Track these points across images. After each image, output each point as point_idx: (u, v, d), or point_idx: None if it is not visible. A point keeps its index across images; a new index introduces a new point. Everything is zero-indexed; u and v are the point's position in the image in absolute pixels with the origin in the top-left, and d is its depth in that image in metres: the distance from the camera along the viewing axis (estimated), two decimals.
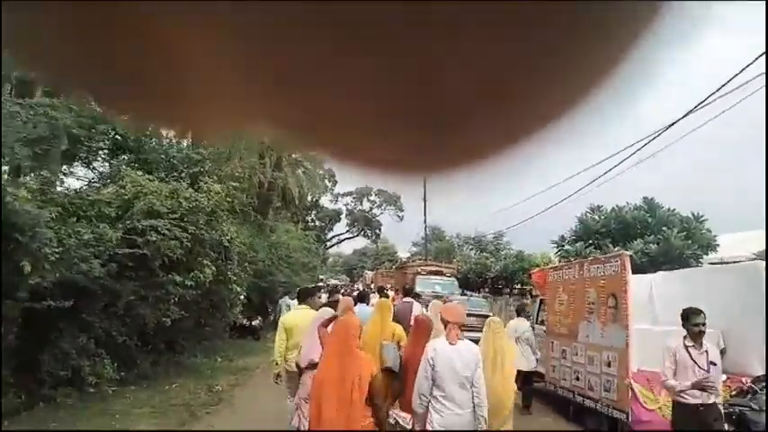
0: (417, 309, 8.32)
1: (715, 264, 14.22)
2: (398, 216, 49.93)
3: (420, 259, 30.43)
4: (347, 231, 50.58)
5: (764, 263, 6.52)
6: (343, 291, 18.53)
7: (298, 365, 5.28)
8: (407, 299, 9.17)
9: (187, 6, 0.27)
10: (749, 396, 5.73)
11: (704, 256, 16.13)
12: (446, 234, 48.04)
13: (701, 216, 17.01)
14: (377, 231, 51.36)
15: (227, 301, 10.80)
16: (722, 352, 6.49)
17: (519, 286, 19.96)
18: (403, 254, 51.49)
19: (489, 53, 0.27)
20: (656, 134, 11.53)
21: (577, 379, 7.35)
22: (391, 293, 14.05)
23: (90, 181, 10.48)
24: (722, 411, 4.91)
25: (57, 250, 5.54)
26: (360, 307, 7.01)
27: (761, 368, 5.98)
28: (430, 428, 4.04)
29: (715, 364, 4.72)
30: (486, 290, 23.31)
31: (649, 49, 0.28)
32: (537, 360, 8.13)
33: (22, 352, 7.00)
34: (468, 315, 9.44)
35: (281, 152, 17.26)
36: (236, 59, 0.29)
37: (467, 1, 0.25)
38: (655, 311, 7.75)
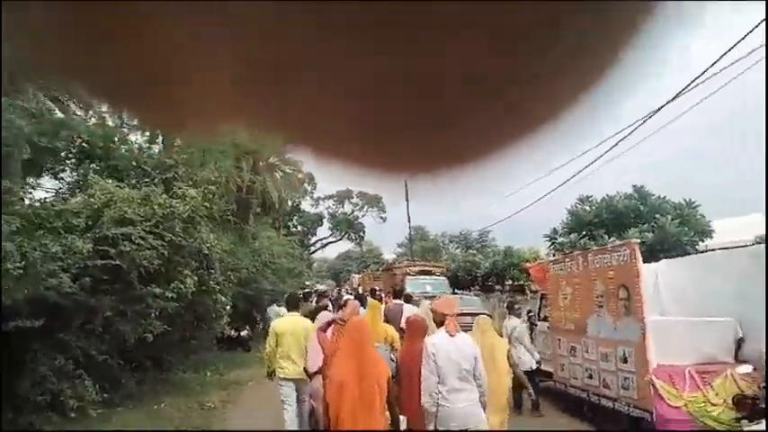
0: (409, 310, 8.16)
1: (717, 249, 14.01)
2: (381, 218, 49.46)
3: (407, 260, 29.97)
4: (330, 235, 49.95)
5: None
6: (330, 296, 18.04)
7: (306, 371, 5.41)
8: (398, 300, 9.06)
9: (177, 6, 0.27)
10: None
11: (700, 243, 15.92)
12: (430, 234, 47.81)
13: (694, 202, 16.82)
14: (360, 234, 50.80)
15: (212, 311, 10.20)
16: (740, 341, 6.15)
17: (511, 282, 19.64)
18: (388, 255, 51.13)
19: (477, 55, 0.28)
20: (637, 124, 11.24)
21: (590, 377, 6.94)
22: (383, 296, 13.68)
23: (57, 191, 9.84)
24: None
25: (19, 265, 4.94)
26: None
27: None
28: (439, 427, 4.06)
29: None
30: (477, 288, 22.96)
31: (642, 48, 0.28)
32: (537, 360, 7.59)
33: None
34: (462, 314, 9.01)
35: (262, 150, 16.74)
36: (223, 57, 0.29)
37: (458, 2, 0.25)
38: (662, 301, 7.37)
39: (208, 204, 9.40)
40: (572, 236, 17.49)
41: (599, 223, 17.73)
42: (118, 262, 7.16)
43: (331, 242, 50.88)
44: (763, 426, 4.87)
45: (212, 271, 9.60)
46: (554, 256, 16.19)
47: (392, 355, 5.08)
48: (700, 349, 6.05)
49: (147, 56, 0.30)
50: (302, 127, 0.33)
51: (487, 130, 0.32)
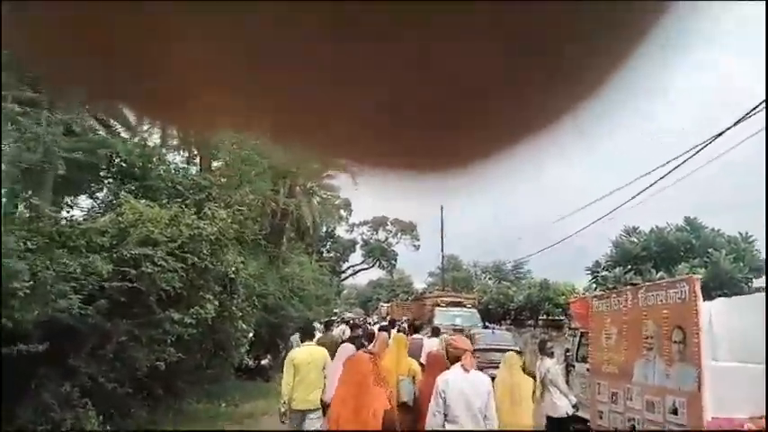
0: (429, 345, 8.33)
1: None
2: (414, 246, 48.99)
3: (437, 289, 29.33)
4: (362, 262, 49.69)
5: None
6: (362, 325, 17.67)
7: (323, 402, 5.53)
8: (417, 336, 9.10)
9: (189, 6, 0.27)
10: None
11: (754, 280, 14.90)
12: (463, 263, 47.06)
13: (750, 236, 15.74)
14: (392, 262, 50.42)
15: (232, 339, 9.88)
16: None
17: (545, 317, 18.80)
18: (419, 285, 50.57)
19: (492, 53, 0.28)
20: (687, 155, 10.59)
21: (633, 429, 6.29)
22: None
23: (89, 210, 9.80)
24: None
25: (27, 285, 4.72)
26: None
27: None
28: None
29: None
30: (509, 321, 22.14)
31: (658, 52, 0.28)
32: (574, 404, 6.89)
33: None
34: (492, 350, 8.45)
35: (299, 174, 16.66)
36: (242, 61, 0.29)
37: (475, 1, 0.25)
38: (715, 345, 6.68)
39: (237, 226, 9.17)
40: (617, 269, 16.59)
41: (646, 257, 16.82)
42: (137, 284, 6.93)
43: (363, 269, 50.60)
44: None
45: (235, 296, 9.32)
46: (596, 290, 15.42)
47: (414, 388, 5.31)
48: (758, 400, 5.41)
49: (166, 59, 0.29)
50: (331, 132, 0.32)
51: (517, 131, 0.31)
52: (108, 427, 6.96)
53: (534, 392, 5.62)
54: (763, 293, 6.73)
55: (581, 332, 8.65)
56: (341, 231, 42.01)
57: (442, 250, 35.58)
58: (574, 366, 8.44)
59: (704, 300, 7.14)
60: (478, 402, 4.08)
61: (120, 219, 7.64)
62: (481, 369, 11.13)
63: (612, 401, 6.73)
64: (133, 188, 9.67)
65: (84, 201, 11.09)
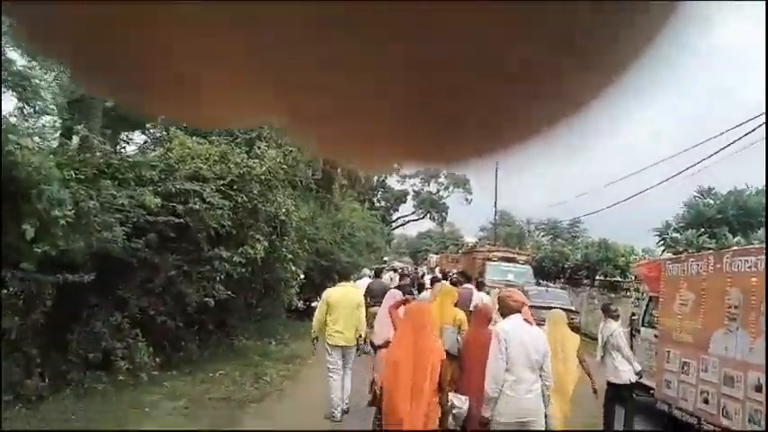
0: (478, 296, 8.09)
1: None
2: (466, 200, 48.14)
3: (489, 244, 28.72)
4: (413, 213, 49.40)
5: None
6: (411, 274, 17.59)
7: (372, 343, 5.96)
8: (468, 285, 8.91)
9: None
10: None
11: None
12: (515, 220, 45.96)
13: None
14: (443, 214, 49.89)
15: (282, 280, 9.78)
16: None
17: (603, 278, 17.98)
18: (469, 238, 49.98)
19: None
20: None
21: (706, 402, 5.75)
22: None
23: (141, 146, 9.74)
24: None
25: (69, 213, 4.56)
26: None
27: None
28: (495, 416, 3.92)
29: None
30: (563, 280, 21.42)
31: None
32: (638, 372, 6.34)
33: (50, 330, 6.25)
34: (549, 309, 8.02)
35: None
36: (265, 55, 0.28)
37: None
38: None
39: (287, 167, 8.89)
40: (688, 232, 15.38)
41: (722, 220, 15.55)
42: (186, 220, 6.79)
43: (413, 220, 50.41)
44: None
45: (286, 238, 9.15)
46: (663, 252, 14.47)
47: (458, 337, 5.36)
48: None
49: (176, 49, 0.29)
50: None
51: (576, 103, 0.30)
52: (157, 360, 6.98)
53: (579, 349, 5.46)
54: None
55: (649, 296, 8.02)
56: (392, 182, 41.58)
57: (495, 204, 34.73)
58: (639, 332, 7.88)
59: None
60: (537, 356, 4.00)
61: (169, 154, 7.46)
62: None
63: (683, 371, 6.18)
64: (184, 124, 9.51)
65: (139, 137, 11.05)
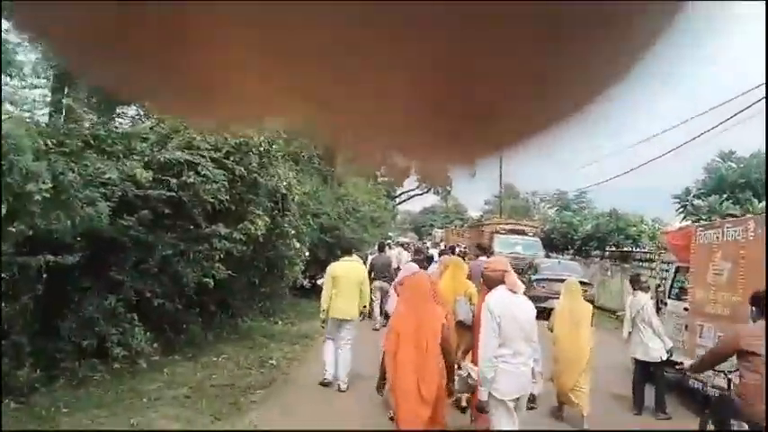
0: None
1: None
2: (469, 173, 47.45)
3: (495, 217, 28.25)
4: (417, 188, 48.79)
5: None
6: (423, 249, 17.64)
7: (387, 315, 6.31)
8: (482, 258, 8.66)
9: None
10: None
11: None
12: (520, 193, 45.39)
13: None
14: (447, 188, 49.26)
15: (285, 257, 9.35)
16: None
17: (615, 248, 17.52)
18: (474, 213, 49.58)
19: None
20: None
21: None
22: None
23: (133, 118, 9.22)
24: None
25: (46, 187, 4.08)
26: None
27: None
28: (496, 395, 3.75)
29: None
30: (572, 252, 21.00)
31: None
32: (668, 349, 5.90)
33: (40, 316, 5.84)
34: (561, 281, 7.65)
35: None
36: (279, 51, 0.27)
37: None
38: None
39: (287, 136, 8.36)
40: (711, 198, 14.73)
41: (746, 185, 14.92)
42: (180, 195, 6.32)
43: (417, 194, 49.77)
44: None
45: (288, 213, 8.68)
46: (683, 221, 13.93)
47: (471, 307, 5.33)
48: None
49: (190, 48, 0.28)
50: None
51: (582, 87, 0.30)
52: (155, 345, 6.58)
53: (593, 317, 5.59)
54: None
55: (677, 266, 7.56)
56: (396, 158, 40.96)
57: (500, 177, 34.16)
58: (665, 304, 7.43)
59: None
60: (528, 326, 3.89)
61: (162, 124, 6.95)
62: (546, 299, 10.33)
63: None
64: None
65: (133, 111, 10.53)
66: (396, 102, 0.30)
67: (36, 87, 8.63)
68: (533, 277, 13.17)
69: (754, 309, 4.07)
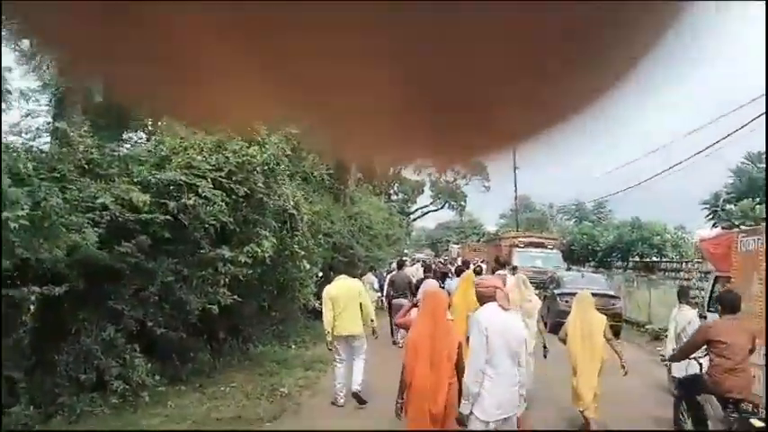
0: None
1: None
2: (485, 186, 46.93)
3: (512, 231, 27.71)
4: (431, 204, 48.38)
5: None
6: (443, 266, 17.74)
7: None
8: (501, 272, 8.84)
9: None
10: None
11: None
12: (536, 205, 44.82)
13: None
14: (462, 203, 48.80)
15: (296, 279, 8.95)
16: None
17: (639, 258, 16.88)
18: (490, 227, 49.06)
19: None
20: None
21: None
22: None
23: (136, 143, 8.97)
24: None
25: (23, 215, 3.74)
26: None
27: None
28: (477, 413, 3.67)
29: None
30: (593, 264, 20.37)
31: None
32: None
33: (37, 350, 5.52)
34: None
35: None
36: (269, 55, 0.27)
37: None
38: None
39: (292, 154, 8.01)
40: (743, 202, 14.06)
41: None
42: (180, 218, 5.99)
43: (431, 210, 49.36)
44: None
45: (297, 233, 8.30)
46: (713, 227, 13.33)
47: None
48: None
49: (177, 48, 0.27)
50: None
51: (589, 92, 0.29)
52: (157, 377, 6.24)
53: (605, 329, 5.52)
54: None
55: (716, 276, 7.01)
56: (408, 173, 40.75)
57: (515, 190, 33.72)
58: (705, 318, 6.88)
59: None
60: (516, 345, 3.80)
61: (161, 147, 6.67)
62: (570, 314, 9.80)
63: None
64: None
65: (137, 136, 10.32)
66: (396, 104, 0.29)
67: (38, 116, 8.47)
68: (556, 291, 12.60)
69: (719, 307, 4.77)
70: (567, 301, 12.06)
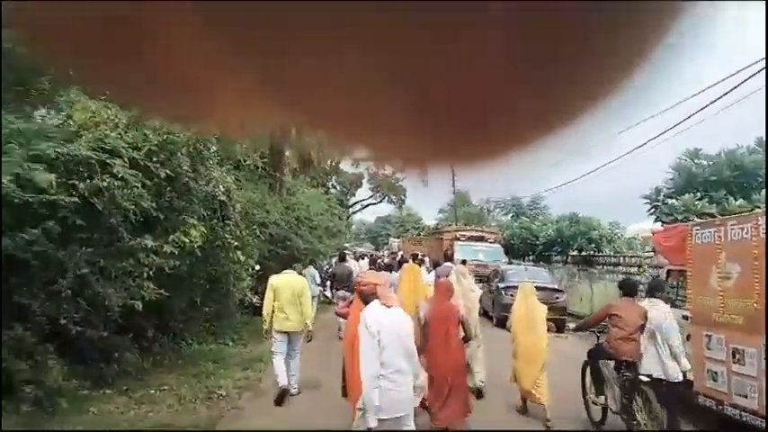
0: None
1: None
2: (422, 181, 46.92)
3: (452, 225, 27.69)
4: (370, 197, 48.03)
5: None
6: (378, 259, 17.81)
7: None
8: (448, 264, 8.77)
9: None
10: None
11: None
12: (473, 199, 45.34)
13: None
14: (402, 197, 48.76)
15: (230, 272, 8.23)
16: None
17: (577, 252, 17.12)
18: (429, 221, 49.26)
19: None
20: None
21: None
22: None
23: (42, 118, 7.91)
24: None
25: None
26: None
27: None
28: (381, 415, 3.57)
29: None
30: (532, 258, 20.58)
31: None
32: (684, 370, 5.15)
33: None
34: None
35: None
36: (258, 54, 0.27)
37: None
38: None
39: (217, 137, 7.27)
40: (686, 196, 14.40)
41: (718, 182, 14.69)
42: (93, 201, 5.20)
43: (371, 204, 49.02)
44: None
45: (228, 222, 7.58)
46: (655, 222, 13.56)
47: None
48: None
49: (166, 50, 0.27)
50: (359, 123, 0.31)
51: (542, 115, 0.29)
52: (74, 380, 5.52)
53: (546, 320, 5.90)
54: None
55: (668, 270, 6.89)
56: (346, 166, 40.20)
57: (453, 185, 33.77)
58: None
59: None
60: (408, 341, 3.76)
61: (70, 122, 5.81)
62: None
63: (736, 361, 5.04)
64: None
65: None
66: (382, 103, 0.28)
67: None
68: (500, 285, 12.43)
69: (621, 291, 5.53)
70: (512, 295, 11.94)
